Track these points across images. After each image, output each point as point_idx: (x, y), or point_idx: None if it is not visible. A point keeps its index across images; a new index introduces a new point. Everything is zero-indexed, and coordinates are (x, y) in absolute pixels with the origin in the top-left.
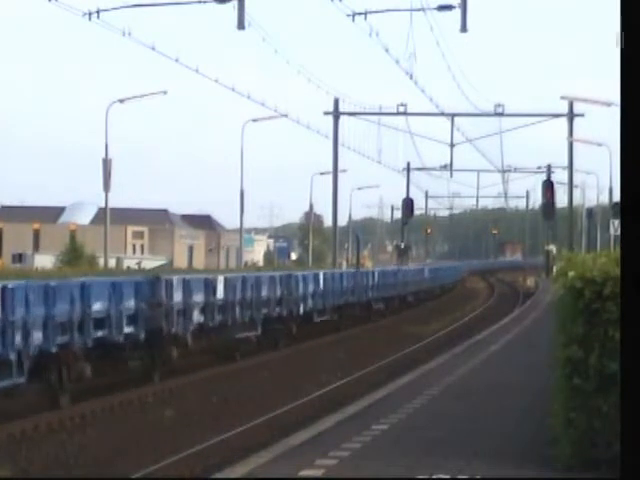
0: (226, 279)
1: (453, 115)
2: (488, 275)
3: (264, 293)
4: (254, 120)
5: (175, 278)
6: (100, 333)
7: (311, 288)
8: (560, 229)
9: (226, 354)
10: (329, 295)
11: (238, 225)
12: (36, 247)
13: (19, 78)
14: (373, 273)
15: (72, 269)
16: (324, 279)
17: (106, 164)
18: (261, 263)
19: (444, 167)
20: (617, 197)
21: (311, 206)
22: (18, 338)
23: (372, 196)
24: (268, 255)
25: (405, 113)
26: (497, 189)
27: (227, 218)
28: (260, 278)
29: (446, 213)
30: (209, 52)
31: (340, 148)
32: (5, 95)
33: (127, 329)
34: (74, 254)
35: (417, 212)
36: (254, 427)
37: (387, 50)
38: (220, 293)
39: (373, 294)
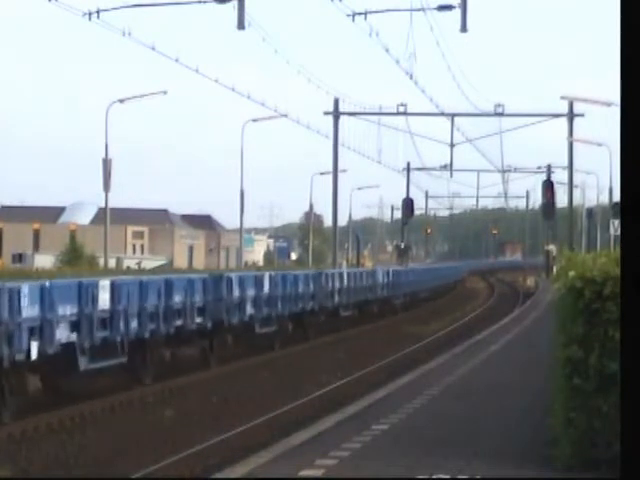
0: None
1: (453, 115)
2: (488, 275)
3: None
4: (254, 120)
5: None
6: None
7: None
8: (560, 229)
9: None
10: (126, 321)
11: (238, 225)
12: (36, 247)
13: (19, 78)
14: (259, 278)
15: (72, 269)
16: (130, 288)
17: (106, 164)
18: (261, 263)
19: (444, 167)
20: (617, 197)
21: (311, 206)
22: None
23: (372, 196)
24: (268, 255)
25: (405, 113)
26: (497, 189)
27: (227, 218)
28: None
29: (446, 213)
30: (209, 52)
31: (340, 148)
32: (5, 95)
33: None
34: (74, 254)
35: (417, 212)
36: (254, 427)
37: (387, 50)
38: None
39: (257, 312)
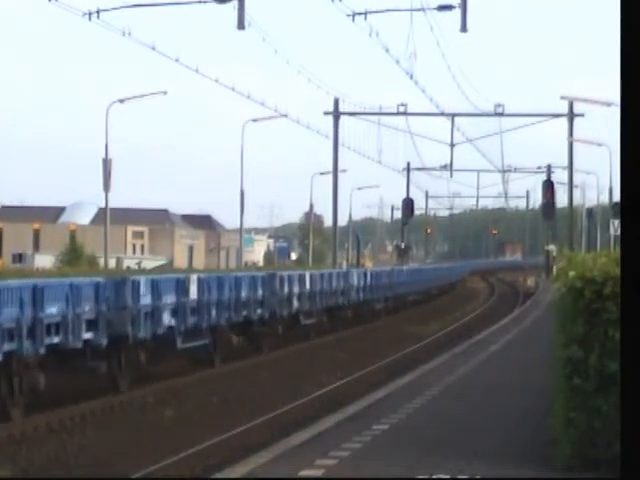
0: None
1: (453, 115)
2: (488, 275)
3: None
4: (254, 120)
5: None
6: None
7: None
8: (560, 229)
9: None
10: None
11: (238, 225)
12: (36, 247)
13: (19, 78)
14: (182, 282)
15: (72, 269)
16: None
17: (106, 164)
18: (261, 263)
19: (444, 167)
20: (617, 197)
21: (311, 206)
22: None
23: (372, 196)
24: (268, 255)
25: (405, 113)
26: (497, 189)
27: (227, 218)
28: None
29: (446, 213)
30: (209, 52)
31: (340, 148)
32: (5, 95)
33: None
34: (74, 254)
35: (417, 212)
36: (254, 427)
37: (387, 50)
38: None
39: (179, 323)
